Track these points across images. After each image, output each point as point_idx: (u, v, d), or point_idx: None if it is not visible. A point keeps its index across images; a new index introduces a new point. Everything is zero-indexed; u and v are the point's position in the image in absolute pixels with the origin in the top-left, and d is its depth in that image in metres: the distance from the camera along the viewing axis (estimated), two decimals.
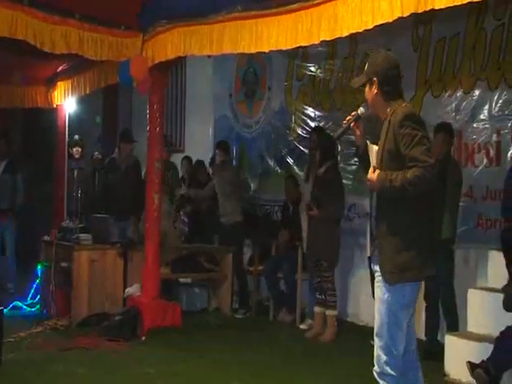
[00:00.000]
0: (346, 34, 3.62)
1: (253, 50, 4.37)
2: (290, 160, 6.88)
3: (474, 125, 4.94)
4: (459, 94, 5.08)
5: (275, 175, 6.96)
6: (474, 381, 3.82)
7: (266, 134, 7.22)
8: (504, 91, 4.76)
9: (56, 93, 6.87)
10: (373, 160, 2.70)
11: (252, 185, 7.38)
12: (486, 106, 4.88)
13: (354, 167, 6.11)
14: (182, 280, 6.56)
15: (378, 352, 2.70)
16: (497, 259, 4.34)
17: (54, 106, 7.03)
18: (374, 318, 4.87)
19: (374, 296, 5.11)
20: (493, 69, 4.83)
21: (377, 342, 2.71)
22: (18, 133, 9.35)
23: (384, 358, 2.66)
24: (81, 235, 5.59)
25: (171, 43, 4.86)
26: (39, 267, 6.20)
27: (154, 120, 5.44)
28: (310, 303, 5.65)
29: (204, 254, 6.36)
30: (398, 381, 2.70)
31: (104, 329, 4.98)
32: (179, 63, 7.30)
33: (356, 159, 6.10)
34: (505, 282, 4.21)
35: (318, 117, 6.54)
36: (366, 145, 2.78)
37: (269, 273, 6.12)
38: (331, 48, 6.28)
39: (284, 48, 4.11)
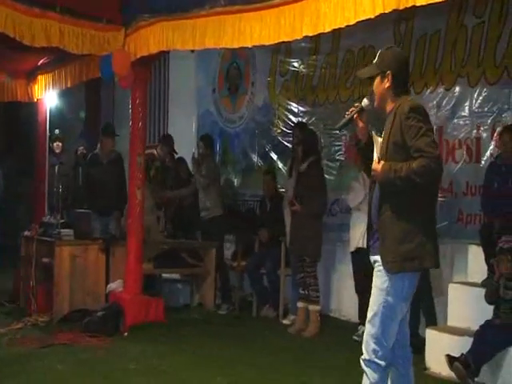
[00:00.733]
0: (328, 29, 3.63)
1: (236, 46, 4.37)
2: (273, 155, 6.88)
3: (455, 121, 4.99)
4: (440, 90, 5.12)
5: (259, 171, 6.96)
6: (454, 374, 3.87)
7: (249, 129, 7.21)
8: (484, 88, 4.82)
9: (36, 86, 6.78)
10: (377, 151, 2.73)
11: (235, 180, 7.37)
12: (467, 103, 4.94)
13: (337, 163, 6.15)
14: (164, 275, 6.54)
15: (367, 338, 2.70)
16: (476, 254, 4.41)
17: (35, 99, 6.94)
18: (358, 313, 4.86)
19: (356, 291, 5.23)
20: (473, 66, 4.88)
21: (368, 329, 2.70)
22: None
23: (373, 346, 2.67)
24: (62, 230, 5.54)
25: (154, 38, 4.82)
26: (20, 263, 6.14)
27: (136, 115, 5.40)
28: (293, 299, 5.67)
29: (187, 250, 6.34)
30: (385, 371, 2.70)
31: (86, 325, 4.95)
32: (162, 58, 7.25)
33: (340, 154, 6.15)
34: (484, 276, 4.28)
35: (302, 112, 6.55)
36: (368, 137, 2.80)
37: (252, 269, 6.12)
38: (314, 44, 6.29)
39: (267, 43, 4.11)
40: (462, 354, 3.84)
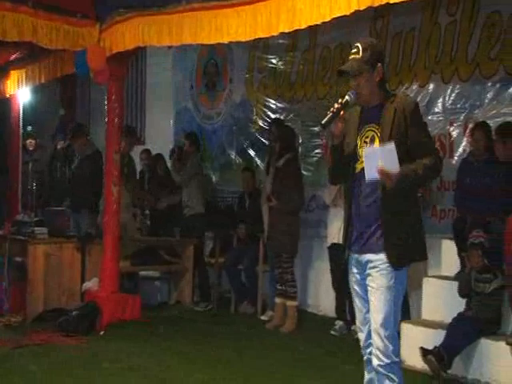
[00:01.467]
0: (304, 26, 3.65)
1: (212, 41, 4.36)
2: (251, 152, 6.88)
3: (429, 117, 5.04)
4: (415, 87, 5.18)
5: (237, 167, 6.95)
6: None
7: (227, 125, 7.20)
8: (457, 85, 4.89)
9: (9, 82, 6.66)
10: (370, 162, 2.55)
11: (213, 177, 7.35)
12: (440, 99, 5.01)
13: (314, 159, 6.17)
14: (142, 273, 6.50)
15: (384, 343, 2.59)
16: (450, 248, 4.47)
17: (7, 95, 6.82)
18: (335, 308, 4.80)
19: (333, 286, 5.26)
20: (446, 63, 4.95)
21: (382, 333, 2.59)
22: None
23: (392, 347, 2.60)
24: (36, 229, 5.47)
25: (129, 33, 4.78)
26: None
27: (112, 111, 5.35)
28: (271, 294, 5.68)
29: (164, 247, 6.31)
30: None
31: (60, 324, 4.89)
32: (139, 53, 7.18)
33: (318, 151, 6.18)
34: (458, 270, 4.35)
35: (280, 109, 6.56)
36: (344, 137, 2.72)
37: (230, 265, 6.12)
38: (292, 40, 6.30)
39: (243, 39, 4.12)
40: (436, 347, 3.89)
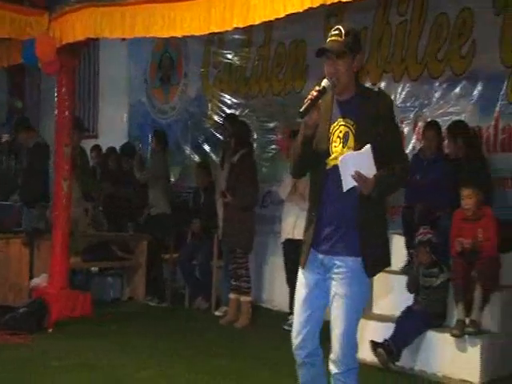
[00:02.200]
0: (258, 21, 3.64)
1: (165, 35, 4.31)
2: (206, 147, 6.85)
3: None
4: (367, 85, 5.25)
5: (192, 162, 6.91)
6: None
7: (182, 120, 7.15)
8: (407, 83, 5.01)
9: None
10: (346, 168, 2.36)
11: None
12: (392, 98, 5.09)
13: (269, 154, 6.19)
14: (93, 269, 6.39)
15: (344, 351, 2.43)
16: (399, 243, 4.57)
17: None
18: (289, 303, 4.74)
19: (287, 281, 5.30)
20: (397, 62, 5.07)
21: (343, 342, 2.43)
22: None
23: (350, 355, 2.47)
24: None
25: (80, 24, 4.66)
26: None
27: (62, 103, 5.21)
28: (226, 290, 5.68)
29: (117, 242, 6.22)
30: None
31: (6, 322, 4.74)
32: (92, 45, 7.03)
33: (273, 147, 6.20)
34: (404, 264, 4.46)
35: (235, 104, 6.56)
36: (315, 129, 2.47)
37: (184, 260, 6.08)
38: (247, 35, 6.31)
39: (197, 33, 4.09)
40: (385, 340, 3.98)
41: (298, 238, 4.39)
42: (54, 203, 5.36)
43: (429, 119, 4.82)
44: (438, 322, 4.09)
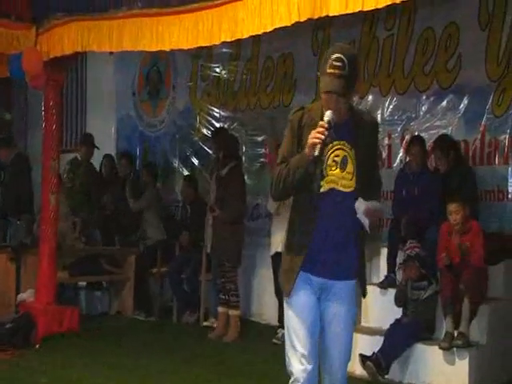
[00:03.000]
0: (246, 36, 3.66)
1: (153, 49, 4.32)
2: (194, 160, 6.85)
3: None
4: (355, 98, 5.29)
5: (179, 175, 6.90)
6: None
7: (170, 133, 7.14)
8: (394, 97, 5.06)
9: None
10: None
11: (158, 184, 7.26)
12: (379, 111, 5.15)
13: (257, 166, 6.20)
14: (81, 283, 6.33)
15: (343, 372, 2.46)
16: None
17: None
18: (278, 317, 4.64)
19: (277, 295, 5.28)
20: (384, 76, 5.11)
21: (344, 362, 2.46)
22: None
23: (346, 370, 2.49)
24: None
25: (68, 37, 4.66)
26: None
27: (49, 117, 5.19)
28: (214, 304, 5.65)
29: (105, 256, 6.17)
30: None
31: None
32: (79, 58, 7.01)
33: (261, 160, 6.20)
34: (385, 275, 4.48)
35: (223, 117, 6.57)
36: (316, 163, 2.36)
37: (173, 274, 6.05)
38: (235, 49, 6.34)
39: (185, 47, 4.10)
40: (374, 353, 3.98)
41: None
42: (41, 217, 5.32)
43: (415, 133, 4.87)
44: (427, 334, 4.09)
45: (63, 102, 6.03)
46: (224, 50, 6.33)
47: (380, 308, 4.45)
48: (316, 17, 3.30)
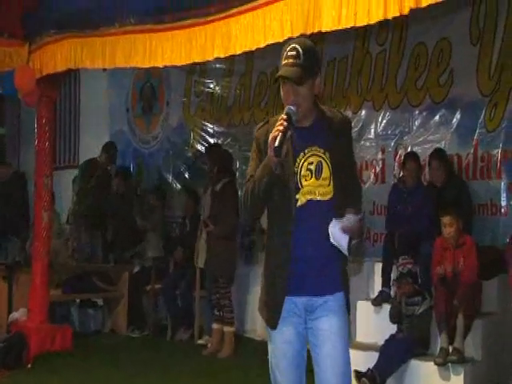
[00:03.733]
0: (239, 51, 3.66)
1: (146, 65, 4.32)
2: (188, 176, 6.83)
3: (362, 143, 5.20)
4: (348, 113, 5.32)
5: (173, 192, 6.87)
6: None
7: (164, 149, 7.13)
8: (387, 112, 5.07)
9: None
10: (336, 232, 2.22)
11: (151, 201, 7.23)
12: (372, 126, 5.17)
13: None
14: (73, 301, 6.26)
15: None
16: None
17: None
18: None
19: None
20: (377, 91, 5.13)
21: (345, 381, 2.24)
22: None
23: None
24: None
25: (61, 54, 4.66)
26: None
27: (42, 134, 5.18)
28: (208, 320, 5.61)
29: (98, 274, 6.13)
30: None
31: None
32: (73, 75, 7.03)
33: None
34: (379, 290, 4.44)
35: (217, 133, 6.57)
36: (282, 165, 2.20)
37: (167, 291, 6.01)
38: (229, 65, 6.36)
39: (178, 64, 4.10)
40: (369, 369, 3.94)
41: None
42: (34, 234, 5.28)
43: (409, 148, 4.88)
44: (422, 350, 4.06)
45: (56, 117, 6.00)
46: (218, 65, 6.35)
47: (375, 323, 4.42)
48: (309, 32, 3.31)
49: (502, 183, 4.45)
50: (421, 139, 4.88)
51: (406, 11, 2.71)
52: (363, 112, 5.23)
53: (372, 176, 5.14)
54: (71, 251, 6.23)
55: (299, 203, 2.23)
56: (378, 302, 4.42)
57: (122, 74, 7.31)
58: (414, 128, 4.93)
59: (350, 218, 2.22)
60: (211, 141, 6.50)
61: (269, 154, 2.15)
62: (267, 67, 6.03)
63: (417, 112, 4.90)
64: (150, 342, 5.83)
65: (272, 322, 2.27)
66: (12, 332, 5.02)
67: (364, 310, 4.49)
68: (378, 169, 5.12)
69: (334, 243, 2.23)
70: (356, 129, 5.24)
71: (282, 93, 2.26)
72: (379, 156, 5.12)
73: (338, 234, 2.22)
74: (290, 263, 2.22)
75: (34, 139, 5.29)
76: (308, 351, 2.33)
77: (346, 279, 2.32)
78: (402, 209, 4.48)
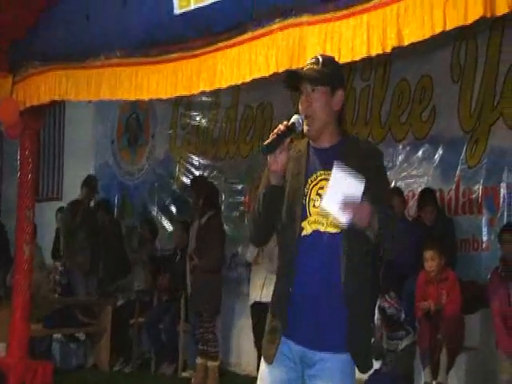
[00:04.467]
0: (224, 85, 3.69)
1: (132, 98, 4.32)
2: (173, 209, 6.80)
3: None
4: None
5: (158, 224, 6.82)
6: None
7: (149, 182, 7.12)
8: None
9: None
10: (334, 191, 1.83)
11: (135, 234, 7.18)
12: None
13: (236, 214, 6.17)
14: (55, 336, 6.13)
15: None
16: None
17: None
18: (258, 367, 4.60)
19: (256, 345, 5.17)
20: (361, 125, 5.20)
21: None
22: None
23: None
24: None
25: (45, 86, 4.63)
26: None
27: (25, 166, 5.11)
28: (192, 354, 5.52)
29: (81, 307, 6.02)
30: None
31: None
32: (57, 106, 7.03)
33: (240, 208, 6.17)
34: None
35: (203, 165, 6.58)
36: (283, 180, 1.99)
37: (150, 324, 5.92)
38: (215, 98, 6.41)
39: (164, 97, 4.10)
40: None
41: (265, 300, 4.34)
42: (15, 267, 5.18)
43: (392, 182, 4.91)
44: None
45: (40, 148, 5.96)
46: (204, 98, 6.40)
47: None
48: (294, 67, 3.35)
49: (484, 218, 4.50)
50: (404, 174, 4.93)
51: (388, 49, 2.76)
52: None
53: None
54: (53, 284, 6.12)
55: (304, 232, 1.96)
56: None
57: (107, 105, 7.33)
58: (398, 163, 4.98)
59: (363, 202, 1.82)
60: (197, 173, 6.51)
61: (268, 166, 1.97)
62: (253, 101, 6.10)
63: (400, 147, 4.97)
64: (134, 377, 5.72)
65: (268, 356, 2.00)
66: None
67: None
68: None
69: (323, 200, 1.84)
70: None
71: (299, 106, 2.06)
72: None
73: (335, 206, 1.81)
74: (289, 298, 1.95)
75: (17, 171, 5.24)
76: None
77: (359, 335, 1.92)
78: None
